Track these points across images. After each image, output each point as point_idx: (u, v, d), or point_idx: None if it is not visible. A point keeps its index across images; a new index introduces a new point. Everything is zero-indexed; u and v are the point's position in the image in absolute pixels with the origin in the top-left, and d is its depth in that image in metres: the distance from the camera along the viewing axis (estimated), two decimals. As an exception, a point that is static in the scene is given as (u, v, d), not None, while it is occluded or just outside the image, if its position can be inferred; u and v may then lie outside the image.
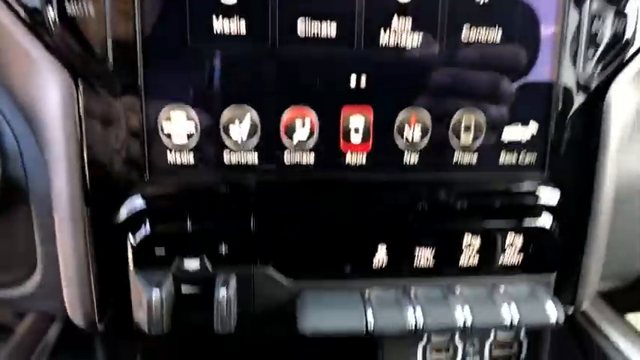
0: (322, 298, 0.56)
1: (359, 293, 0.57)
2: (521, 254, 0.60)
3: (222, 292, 0.53)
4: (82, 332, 0.70)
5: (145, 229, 0.53)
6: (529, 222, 0.59)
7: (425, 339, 0.78)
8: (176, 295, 0.55)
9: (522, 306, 0.56)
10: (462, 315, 0.55)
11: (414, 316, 0.54)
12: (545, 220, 0.59)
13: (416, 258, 0.58)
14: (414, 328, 0.54)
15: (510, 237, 0.59)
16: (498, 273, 0.60)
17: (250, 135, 0.54)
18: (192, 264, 0.55)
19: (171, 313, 0.54)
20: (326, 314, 0.54)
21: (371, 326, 0.53)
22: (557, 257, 0.61)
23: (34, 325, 0.71)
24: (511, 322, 0.55)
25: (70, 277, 0.56)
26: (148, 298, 0.52)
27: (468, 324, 0.55)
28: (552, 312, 0.56)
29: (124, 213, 0.54)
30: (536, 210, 0.59)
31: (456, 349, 0.79)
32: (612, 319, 0.74)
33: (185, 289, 0.56)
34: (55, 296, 0.60)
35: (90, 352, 0.70)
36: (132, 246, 0.54)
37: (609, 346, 0.70)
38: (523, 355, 0.81)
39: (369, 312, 0.54)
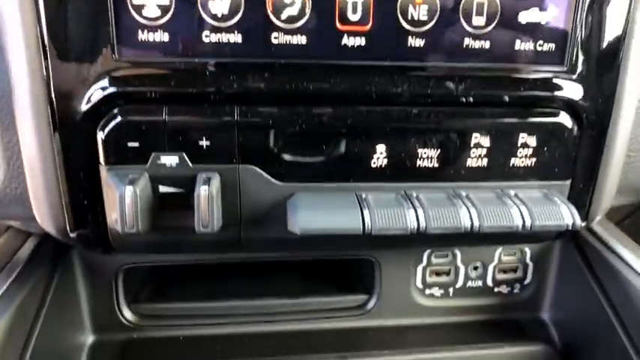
0: (315, 198, 0.51)
1: (355, 194, 0.52)
2: (535, 157, 0.54)
3: (203, 189, 0.47)
4: (59, 248, 0.66)
5: (115, 118, 0.47)
6: (545, 119, 0.53)
7: (425, 260, 0.73)
8: (154, 195, 0.50)
9: (534, 208, 0.51)
10: (469, 216, 0.50)
11: (415, 216, 0.49)
12: (564, 118, 0.53)
13: (419, 159, 0.53)
14: (415, 228, 0.49)
15: (523, 136, 0.53)
16: (508, 178, 0.55)
17: (233, 10, 0.47)
18: (170, 160, 0.49)
19: (147, 215, 0.49)
20: (319, 213, 0.49)
21: (368, 225, 0.48)
22: (573, 162, 0.56)
23: (7, 241, 0.66)
24: (523, 224, 0.50)
25: (35, 176, 0.50)
26: (120, 194, 0.46)
27: (476, 226, 0.49)
28: (567, 214, 0.51)
29: (91, 100, 0.47)
30: (554, 106, 0.53)
31: (457, 272, 0.75)
32: (621, 238, 0.69)
33: (163, 188, 0.50)
34: (21, 202, 0.55)
35: (65, 268, 0.65)
36: (101, 138, 0.48)
37: (620, 262, 0.65)
38: (528, 280, 0.77)
39: (366, 211, 0.49)
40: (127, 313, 0.70)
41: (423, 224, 0.49)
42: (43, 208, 0.52)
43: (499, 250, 0.74)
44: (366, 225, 0.48)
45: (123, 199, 0.46)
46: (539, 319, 0.78)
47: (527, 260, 0.75)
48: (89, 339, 0.69)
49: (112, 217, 0.50)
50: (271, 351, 0.67)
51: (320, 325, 0.73)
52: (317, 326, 0.73)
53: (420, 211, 0.49)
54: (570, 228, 0.51)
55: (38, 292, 0.60)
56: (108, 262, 0.67)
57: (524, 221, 0.50)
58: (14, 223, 0.65)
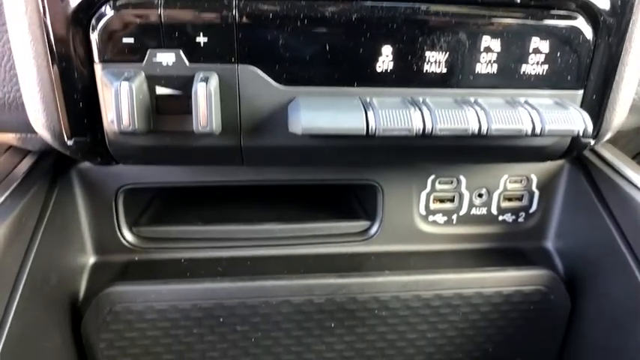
0: (318, 101, 0.49)
1: (359, 98, 0.50)
2: (548, 63, 0.52)
3: (201, 85, 0.45)
4: (58, 165, 0.65)
5: (108, 12, 0.45)
6: (560, 22, 0.51)
7: (429, 186, 0.72)
8: (150, 97, 0.48)
9: (545, 112, 0.49)
10: (477, 118, 0.48)
11: (421, 117, 0.47)
12: (580, 22, 0.51)
13: (426, 62, 0.50)
14: (421, 129, 0.47)
15: (536, 40, 0.51)
16: (519, 86, 0.53)
17: None
18: (166, 58, 0.47)
19: (144, 114, 0.47)
20: (322, 113, 0.47)
21: (372, 126, 0.46)
22: (587, 70, 0.53)
23: (5, 159, 0.65)
24: (532, 129, 0.48)
25: (28, 77, 0.48)
26: (115, 89, 0.45)
27: (484, 128, 0.48)
28: (579, 120, 0.49)
29: (82, -8, 0.45)
30: (570, 8, 0.51)
31: (461, 198, 0.74)
32: (631, 163, 0.67)
33: (160, 90, 0.49)
34: (15, 108, 0.54)
35: (64, 186, 0.64)
36: (94, 34, 0.46)
37: (629, 186, 0.64)
38: (533, 209, 0.76)
39: (371, 112, 0.47)
40: (128, 235, 0.69)
41: (429, 125, 0.47)
42: (39, 113, 0.51)
43: (504, 177, 0.73)
44: (370, 125, 0.46)
45: (118, 95, 0.45)
46: (544, 248, 0.77)
47: (533, 188, 0.74)
48: (90, 260, 0.69)
49: (109, 118, 0.49)
50: (272, 272, 0.67)
51: (321, 250, 0.73)
52: (318, 251, 0.73)
53: (426, 112, 0.48)
54: (582, 134, 0.50)
55: (37, 205, 0.60)
56: (108, 182, 0.66)
57: (534, 125, 0.48)
58: (14, 141, 0.64)
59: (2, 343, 0.50)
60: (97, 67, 0.47)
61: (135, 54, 0.47)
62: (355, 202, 0.78)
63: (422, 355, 0.71)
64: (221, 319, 0.65)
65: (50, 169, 0.64)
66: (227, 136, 0.51)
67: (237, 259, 0.71)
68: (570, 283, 0.73)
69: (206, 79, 0.46)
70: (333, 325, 0.67)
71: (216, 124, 0.47)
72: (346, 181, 0.71)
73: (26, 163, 0.63)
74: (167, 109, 0.49)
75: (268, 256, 0.72)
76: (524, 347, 0.73)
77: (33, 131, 0.55)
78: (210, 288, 0.64)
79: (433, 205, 0.74)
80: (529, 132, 0.48)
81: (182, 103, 0.48)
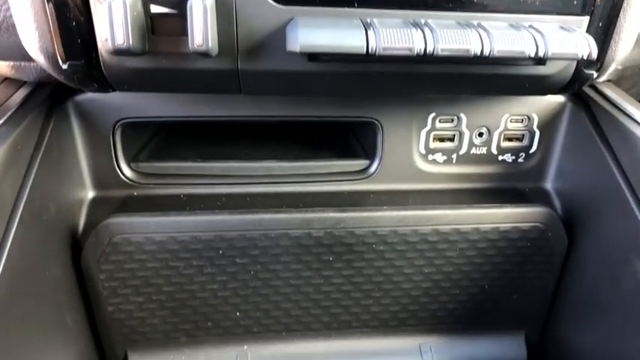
0: (317, 20, 0.48)
1: (359, 17, 0.49)
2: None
3: (196, 2, 0.44)
4: (54, 96, 0.64)
5: None
6: None
7: (429, 124, 0.71)
8: (145, 16, 0.47)
9: (549, 35, 0.48)
10: (479, 39, 0.47)
11: (422, 37, 0.46)
12: None
13: (428, -17, 0.49)
14: (422, 49, 0.46)
15: (543, -40, 0.49)
16: (524, 10, 0.51)
17: None
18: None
19: (139, 31, 0.46)
20: (320, 31, 0.46)
21: (372, 45, 0.45)
22: None
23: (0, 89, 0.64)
24: (536, 51, 0.47)
25: None
26: (108, 5, 0.43)
27: (486, 49, 0.47)
28: (583, 44, 0.48)
29: None
30: None
31: (461, 137, 0.73)
32: (634, 102, 0.67)
33: (155, 9, 0.47)
34: (7, 31, 0.52)
35: (61, 117, 0.64)
36: None
37: (633, 124, 0.63)
38: (533, 149, 0.75)
39: (371, 31, 0.46)
40: (127, 170, 0.69)
41: (430, 46, 0.46)
42: (32, 36, 0.49)
43: (505, 115, 0.72)
44: (369, 44, 0.45)
45: (111, 10, 0.44)
46: (543, 189, 0.77)
47: (534, 127, 0.73)
48: (89, 194, 0.69)
49: (103, 36, 0.48)
50: (271, 207, 0.67)
51: (320, 188, 0.73)
52: (317, 189, 0.73)
53: (428, 32, 0.46)
54: (586, 58, 0.49)
55: (33, 134, 0.59)
56: (105, 115, 0.66)
57: (537, 47, 0.47)
58: (8, 72, 0.63)
59: (1, 267, 0.50)
60: None
61: None
62: (354, 141, 0.77)
63: (418, 289, 0.72)
64: (220, 252, 0.65)
65: (47, 99, 0.63)
66: (224, 59, 0.50)
67: (235, 196, 0.71)
68: (568, 222, 0.73)
69: None
70: (331, 258, 0.68)
71: (212, 43, 0.46)
72: (346, 118, 0.70)
73: (21, 94, 0.62)
74: (162, 30, 0.48)
75: (267, 193, 0.72)
76: (520, 284, 0.74)
77: (27, 59, 0.54)
78: (210, 220, 0.64)
79: (433, 144, 0.73)
80: (532, 54, 0.47)
81: (177, 24, 0.47)
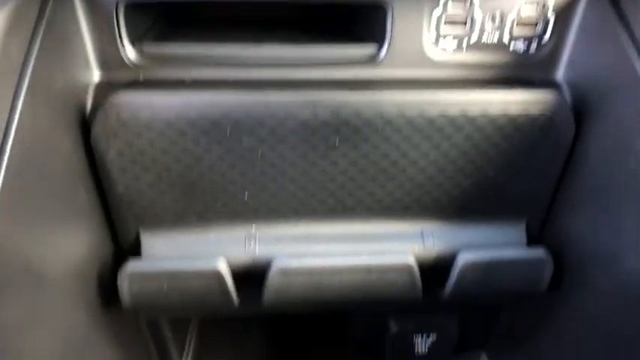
0: None
1: None
2: None
3: None
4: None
5: None
6: None
7: (441, 6, 0.69)
8: None
9: None
10: None
11: None
12: None
13: None
14: None
15: None
16: None
17: None
18: None
19: None
20: None
21: None
22: None
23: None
24: None
25: None
26: None
27: None
28: None
29: None
30: None
31: (473, 22, 0.71)
32: None
33: None
34: None
35: None
36: None
37: None
38: (546, 38, 0.73)
39: None
40: (131, 52, 0.68)
41: None
42: None
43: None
44: None
45: None
46: (553, 80, 0.76)
47: (549, 14, 0.71)
48: (94, 75, 0.68)
49: None
50: (264, 89, 0.67)
51: (326, 74, 0.72)
52: (323, 75, 0.72)
53: None
54: None
55: (34, 4, 0.58)
56: None
57: None
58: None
59: (11, 140, 0.51)
60: None
61: None
62: (361, 25, 0.75)
63: (422, 175, 0.73)
64: (227, 131, 0.66)
65: None
66: None
67: (241, 82, 0.70)
68: (577, 112, 0.73)
69: None
70: (337, 141, 0.68)
71: None
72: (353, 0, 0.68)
73: None
74: None
75: (273, 79, 0.71)
76: (524, 172, 0.75)
77: None
78: (217, 98, 0.64)
79: (443, 29, 0.71)
80: None
81: None
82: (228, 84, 0.68)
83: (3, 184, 0.50)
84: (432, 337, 0.94)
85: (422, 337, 0.93)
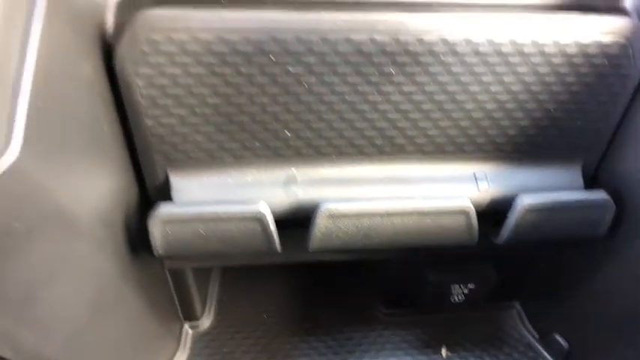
0: None
1: None
2: None
3: None
4: None
5: None
6: None
7: None
8: None
9: None
10: None
11: None
12: None
13: None
14: None
15: None
16: None
17: None
18: None
19: None
20: None
21: None
22: None
23: None
24: None
25: None
26: None
27: None
28: None
29: None
30: None
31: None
32: None
33: None
34: None
35: None
36: None
37: None
38: None
39: None
40: None
41: None
42: None
43: None
44: None
45: None
46: (622, 7, 0.68)
47: None
48: None
49: None
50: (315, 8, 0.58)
51: None
52: None
53: None
54: None
55: None
56: None
57: None
58: None
59: (33, 64, 0.43)
60: None
61: None
62: None
63: (481, 111, 0.66)
64: (272, 57, 0.58)
65: None
66: None
67: (285, 1, 0.62)
68: None
69: None
70: (393, 71, 0.61)
71: None
72: None
73: None
74: None
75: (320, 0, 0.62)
76: (588, 109, 0.68)
77: None
78: (263, 17, 0.56)
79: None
80: None
81: None
82: (272, 2, 0.59)
83: (28, 115, 0.42)
84: (468, 287, 0.90)
85: (459, 286, 0.89)
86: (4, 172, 0.39)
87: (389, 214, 0.65)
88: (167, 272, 0.81)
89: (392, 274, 0.96)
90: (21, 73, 0.43)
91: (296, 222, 0.67)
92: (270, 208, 0.64)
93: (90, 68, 0.55)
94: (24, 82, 0.42)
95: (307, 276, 1.08)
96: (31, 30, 0.45)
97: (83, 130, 0.53)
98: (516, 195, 0.68)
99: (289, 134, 0.64)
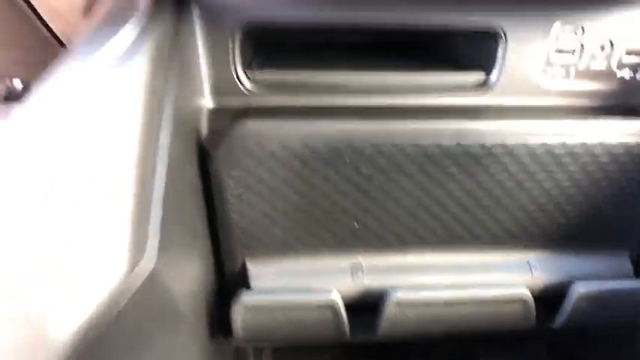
0: None
1: None
2: None
3: None
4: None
5: None
6: None
7: (552, 34, 0.69)
8: None
9: None
10: None
11: None
12: None
13: None
14: None
15: None
16: None
17: None
18: None
19: None
20: None
21: None
22: None
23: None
24: None
25: None
26: None
27: None
28: None
29: None
30: None
31: (582, 51, 0.71)
32: None
33: None
34: None
35: (185, 21, 0.61)
36: None
37: None
38: None
39: None
40: (244, 79, 0.67)
41: None
42: None
43: (630, 26, 0.69)
44: None
45: None
46: None
47: None
48: (208, 102, 0.68)
49: None
50: (388, 118, 0.66)
51: (434, 101, 0.71)
52: (431, 102, 0.71)
53: None
54: None
55: (165, 40, 0.57)
56: (226, 17, 0.63)
57: None
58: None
59: (164, 181, 0.50)
60: None
61: None
62: (464, 50, 0.75)
63: (534, 204, 0.72)
64: (348, 160, 0.65)
65: (172, 6, 0.60)
66: None
67: (351, 108, 0.69)
68: None
69: None
70: (455, 171, 0.67)
71: None
72: (467, 27, 0.67)
73: None
74: None
75: (382, 106, 0.70)
76: (633, 202, 0.73)
77: None
78: (342, 127, 0.63)
79: (553, 57, 0.71)
80: None
81: None
82: (346, 112, 0.67)
83: (161, 222, 0.48)
84: (520, 369, 0.92)
85: (510, 368, 0.91)
86: (144, 280, 0.45)
87: (452, 302, 0.70)
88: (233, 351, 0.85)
89: (443, 353, 0.98)
90: (152, 182, 0.49)
91: (364, 307, 0.71)
92: (338, 294, 0.69)
93: (193, 172, 0.62)
94: (156, 191, 0.49)
95: (354, 349, 1.10)
96: (159, 143, 0.52)
97: (187, 228, 0.60)
98: (569, 282, 0.72)
99: (357, 226, 0.70)
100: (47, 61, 0.51)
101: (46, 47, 0.86)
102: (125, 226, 0.45)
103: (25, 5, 0.82)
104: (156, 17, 0.56)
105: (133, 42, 0.51)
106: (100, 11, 0.61)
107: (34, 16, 0.83)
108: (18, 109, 0.43)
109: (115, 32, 0.50)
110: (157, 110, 0.53)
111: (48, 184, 0.40)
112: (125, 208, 0.45)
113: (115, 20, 0.53)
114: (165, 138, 0.52)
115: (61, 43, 0.86)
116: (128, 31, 0.51)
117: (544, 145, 0.67)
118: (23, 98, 0.44)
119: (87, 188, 0.43)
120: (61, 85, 0.45)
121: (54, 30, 0.84)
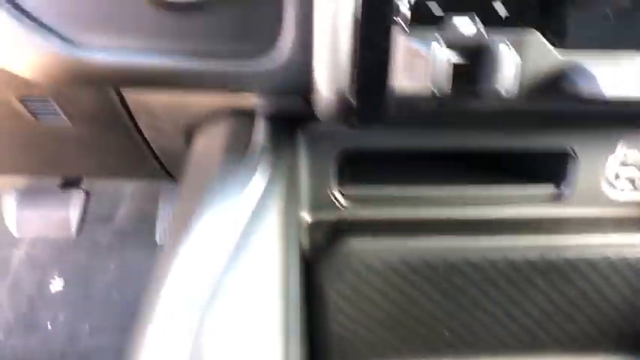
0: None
1: None
2: None
3: (504, 49, 0.49)
4: (287, 131, 0.69)
5: None
6: None
7: (618, 151, 0.75)
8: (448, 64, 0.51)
9: None
10: None
11: None
12: None
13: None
14: None
15: None
16: None
17: None
18: (464, 25, 0.51)
19: (444, 82, 0.50)
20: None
21: None
22: None
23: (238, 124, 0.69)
24: None
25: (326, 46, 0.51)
26: (427, 52, 0.48)
27: None
28: None
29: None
30: None
31: (647, 165, 0.77)
32: None
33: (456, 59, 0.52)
34: (299, 75, 0.56)
35: (293, 149, 0.69)
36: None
37: None
38: None
39: None
40: (338, 195, 0.74)
41: None
42: (327, 73, 0.53)
43: None
44: None
45: (433, 56, 0.48)
46: None
47: None
48: (307, 217, 0.74)
49: (405, 82, 0.52)
50: (469, 233, 0.71)
51: (509, 212, 0.76)
52: (506, 213, 0.76)
53: None
54: None
55: (284, 164, 0.64)
56: (328, 144, 0.71)
57: None
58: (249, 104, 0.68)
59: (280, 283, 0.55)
60: (398, 32, 0.51)
61: (434, 18, 0.50)
62: (538, 165, 0.81)
63: (601, 315, 0.76)
64: (442, 273, 0.70)
65: (283, 137, 0.68)
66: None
67: (435, 221, 0.75)
68: None
69: (504, 43, 0.49)
70: (540, 282, 0.72)
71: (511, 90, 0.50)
72: (542, 147, 0.74)
73: (261, 131, 0.67)
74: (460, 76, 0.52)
75: (461, 219, 0.75)
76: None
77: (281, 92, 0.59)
78: (438, 243, 0.69)
79: (620, 171, 0.77)
80: None
81: (471, 67, 0.52)
82: (436, 227, 0.73)
83: None
84: None
85: None
86: None
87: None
88: None
89: None
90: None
91: None
92: None
93: (296, 285, 0.67)
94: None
95: None
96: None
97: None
98: None
99: (447, 334, 0.74)
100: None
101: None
102: None
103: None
104: (273, 151, 0.64)
105: (264, 191, 0.58)
106: (213, 142, 0.69)
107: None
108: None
109: (245, 184, 0.57)
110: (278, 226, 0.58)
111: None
112: None
113: (240, 162, 0.61)
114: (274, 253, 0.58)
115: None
116: (257, 183, 0.58)
117: (622, 258, 0.72)
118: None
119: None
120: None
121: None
